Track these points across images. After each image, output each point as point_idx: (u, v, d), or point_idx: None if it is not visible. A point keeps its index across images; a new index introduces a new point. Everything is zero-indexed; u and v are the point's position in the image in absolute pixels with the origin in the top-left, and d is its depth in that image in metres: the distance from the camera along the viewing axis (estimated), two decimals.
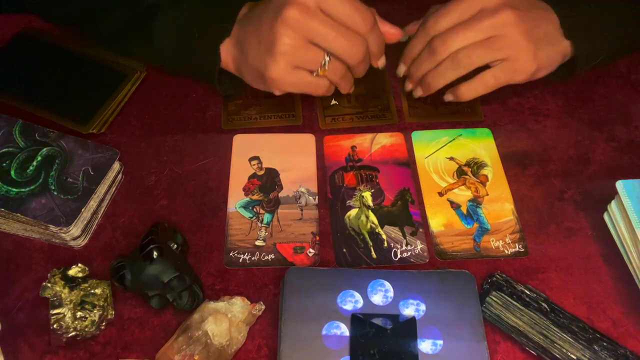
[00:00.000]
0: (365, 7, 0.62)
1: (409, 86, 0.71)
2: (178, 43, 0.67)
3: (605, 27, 0.66)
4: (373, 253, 0.61)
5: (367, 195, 0.65)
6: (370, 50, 0.64)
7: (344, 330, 0.54)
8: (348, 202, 0.65)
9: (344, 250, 0.61)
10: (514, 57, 0.64)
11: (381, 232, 0.63)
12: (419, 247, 0.61)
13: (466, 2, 0.64)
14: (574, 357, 0.52)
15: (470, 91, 0.67)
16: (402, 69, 0.71)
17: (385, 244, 0.62)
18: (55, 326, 0.55)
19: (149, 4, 0.67)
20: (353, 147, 0.69)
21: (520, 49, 0.63)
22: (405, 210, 0.64)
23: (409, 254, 0.61)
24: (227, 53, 0.65)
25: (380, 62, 0.68)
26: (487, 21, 0.63)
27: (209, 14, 0.66)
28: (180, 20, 0.66)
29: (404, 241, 0.62)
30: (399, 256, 0.61)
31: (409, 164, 0.68)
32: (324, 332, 0.53)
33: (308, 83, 0.63)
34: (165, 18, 0.66)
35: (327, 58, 0.61)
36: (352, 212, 0.64)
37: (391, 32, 0.67)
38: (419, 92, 0.70)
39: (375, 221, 0.63)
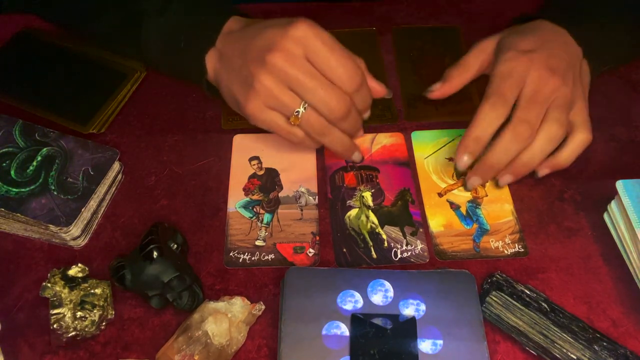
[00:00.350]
0: (354, 62, 0.59)
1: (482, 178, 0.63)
2: (164, 50, 0.66)
3: (612, 42, 0.67)
4: (373, 253, 0.61)
5: (367, 195, 0.65)
6: (355, 107, 0.61)
7: (344, 330, 0.54)
8: (348, 202, 0.65)
9: (344, 250, 0.61)
10: (575, 112, 0.63)
11: (381, 232, 0.63)
12: (419, 247, 0.61)
13: (511, 85, 0.61)
14: (574, 357, 0.52)
15: (570, 156, 0.63)
16: (465, 160, 0.62)
17: (386, 244, 0.62)
18: (55, 326, 0.55)
19: (139, 9, 0.66)
20: None
21: (577, 101, 0.63)
22: (405, 210, 0.64)
23: (409, 254, 0.61)
24: (211, 64, 0.64)
25: (366, 116, 0.65)
26: (544, 92, 0.60)
27: (194, 22, 0.65)
28: (165, 29, 0.65)
29: (404, 241, 0.62)
30: (399, 256, 0.61)
31: (409, 164, 0.68)
32: (324, 332, 0.53)
33: (280, 127, 0.61)
34: (152, 25, 0.65)
35: (302, 108, 0.59)
36: (353, 212, 0.64)
37: (376, 89, 0.64)
38: (507, 179, 0.63)
39: (376, 221, 0.63)
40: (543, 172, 0.63)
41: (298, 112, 0.59)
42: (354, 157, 0.65)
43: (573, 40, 0.65)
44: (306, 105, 0.59)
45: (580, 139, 0.62)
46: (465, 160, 0.61)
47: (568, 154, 0.62)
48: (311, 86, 0.58)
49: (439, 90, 0.70)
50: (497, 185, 0.64)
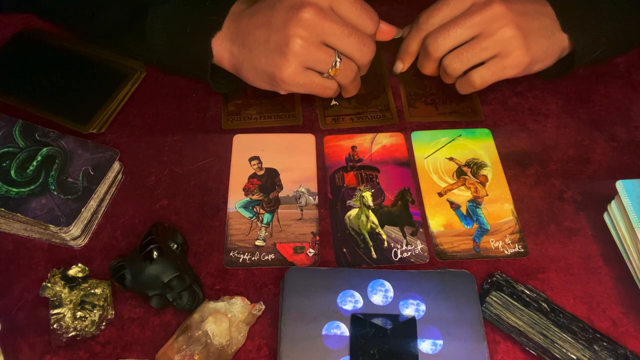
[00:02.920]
0: (370, 7, 0.63)
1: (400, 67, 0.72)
2: (170, 39, 0.66)
3: (603, 19, 0.66)
4: (373, 253, 0.61)
5: (368, 195, 0.65)
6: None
7: (344, 330, 0.54)
8: (348, 202, 0.65)
9: (344, 250, 0.61)
10: (504, 53, 0.64)
11: (381, 232, 0.63)
12: (419, 247, 0.61)
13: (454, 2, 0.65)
14: (574, 357, 0.52)
15: (461, 89, 0.68)
16: (399, 67, 0.73)
17: (386, 244, 0.62)
18: (55, 326, 0.55)
19: (144, 0, 0.66)
20: (353, 147, 0.69)
21: (510, 43, 0.63)
22: (405, 210, 0.64)
23: (409, 254, 0.61)
24: (222, 49, 0.64)
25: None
26: (477, 16, 0.63)
27: (201, 9, 0.65)
28: (172, 16, 0.65)
29: (404, 241, 0.62)
30: (399, 256, 0.61)
31: (409, 164, 0.68)
32: (324, 332, 0.53)
33: (317, 84, 0.63)
34: (157, 14, 0.65)
35: (338, 59, 0.62)
36: (353, 212, 0.64)
37: (385, 30, 0.67)
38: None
39: (376, 221, 0.63)
40: (461, 87, 0.68)
41: (335, 63, 0.62)
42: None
43: (550, 8, 0.66)
44: (340, 56, 0.62)
45: (471, 79, 0.66)
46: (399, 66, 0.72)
47: (460, 86, 0.68)
48: (344, 34, 0.61)
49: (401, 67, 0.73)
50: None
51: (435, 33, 0.65)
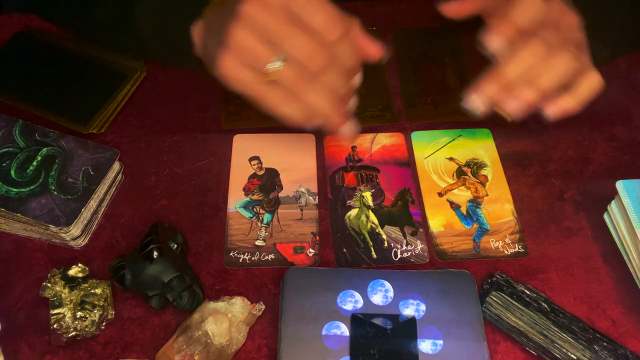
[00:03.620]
0: (336, 10, 0.55)
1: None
2: (157, 28, 0.63)
3: (612, 22, 0.66)
4: (373, 253, 0.61)
5: (368, 196, 0.65)
6: (340, 64, 0.56)
7: (344, 330, 0.54)
8: (348, 202, 0.65)
9: (344, 250, 0.61)
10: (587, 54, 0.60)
11: (381, 232, 0.63)
12: (419, 247, 0.61)
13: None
14: (574, 357, 0.52)
15: (578, 98, 0.60)
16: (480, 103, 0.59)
17: (386, 244, 0.62)
18: (55, 326, 0.55)
19: None
20: (353, 147, 0.69)
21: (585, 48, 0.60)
22: (405, 210, 0.64)
23: (409, 254, 0.61)
24: (198, 37, 0.60)
25: (356, 81, 0.59)
26: (563, 22, 0.59)
27: None
28: (158, 6, 0.63)
29: (404, 241, 0.62)
30: (399, 256, 0.61)
31: (409, 164, 0.68)
32: (324, 332, 0.53)
33: (255, 87, 0.56)
34: (145, 4, 0.63)
35: (280, 59, 0.54)
36: (353, 212, 0.64)
37: (371, 48, 0.59)
38: (513, 104, 0.58)
39: (376, 221, 0.63)
40: (553, 111, 0.59)
41: (274, 63, 0.54)
42: (343, 129, 0.58)
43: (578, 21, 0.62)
44: (283, 57, 0.54)
45: (593, 79, 0.59)
46: (479, 101, 0.58)
47: (580, 93, 0.59)
48: (287, 33, 0.54)
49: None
50: (505, 114, 0.59)
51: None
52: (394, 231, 0.63)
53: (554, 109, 0.59)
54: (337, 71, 0.56)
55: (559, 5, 0.59)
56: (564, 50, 0.57)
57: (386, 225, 0.63)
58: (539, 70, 0.57)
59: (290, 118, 0.56)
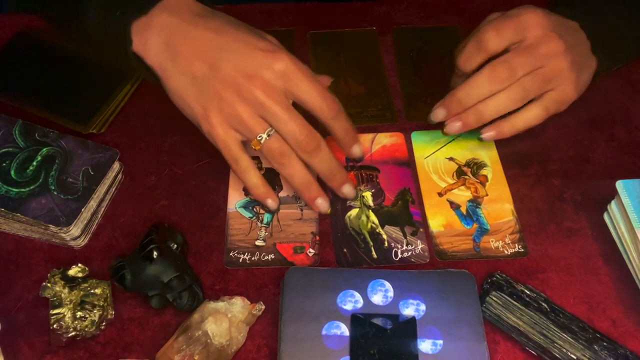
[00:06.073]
0: (332, 95, 0.58)
1: (443, 116, 0.64)
2: (98, 23, 0.61)
3: (624, 38, 0.67)
4: (374, 253, 0.61)
5: (368, 195, 0.65)
6: (337, 138, 0.60)
7: (344, 330, 0.54)
8: (348, 202, 0.65)
9: (345, 250, 0.61)
10: (560, 89, 0.62)
11: (382, 232, 0.63)
12: (419, 247, 0.61)
13: (513, 25, 0.61)
14: (574, 357, 0.52)
15: (513, 127, 0.63)
16: (440, 115, 0.64)
17: (386, 244, 0.62)
18: (55, 326, 0.55)
19: None
20: None
21: (566, 80, 0.62)
22: (405, 210, 0.64)
23: (409, 253, 0.61)
24: (146, 40, 0.58)
25: (355, 152, 0.62)
26: (541, 49, 0.61)
27: None
28: (101, 2, 0.60)
29: (405, 241, 0.62)
30: (399, 256, 0.61)
31: (409, 164, 0.68)
32: (324, 332, 0.53)
33: (232, 150, 0.58)
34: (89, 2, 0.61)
35: (265, 134, 0.57)
36: (353, 212, 0.64)
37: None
38: (456, 127, 0.64)
39: (376, 221, 0.63)
40: (487, 135, 0.64)
41: (261, 137, 0.57)
42: (320, 206, 0.61)
43: (584, 33, 0.64)
44: (272, 131, 0.57)
45: (534, 112, 0.63)
46: (454, 127, 0.64)
47: (511, 124, 0.63)
48: (284, 118, 0.56)
49: (491, 134, 0.66)
50: (443, 132, 0.64)
51: (506, 58, 0.61)
52: (394, 231, 0.63)
53: (490, 133, 0.64)
54: (325, 151, 0.59)
55: (542, 31, 0.61)
56: (517, 85, 0.61)
57: (386, 225, 0.63)
58: (487, 100, 0.62)
59: (254, 188, 0.60)
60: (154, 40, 0.58)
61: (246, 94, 0.56)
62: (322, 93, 0.57)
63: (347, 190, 0.62)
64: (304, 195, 0.61)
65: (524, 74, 0.61)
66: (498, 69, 0.61)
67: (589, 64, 0.65)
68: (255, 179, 0.60)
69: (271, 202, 0.61)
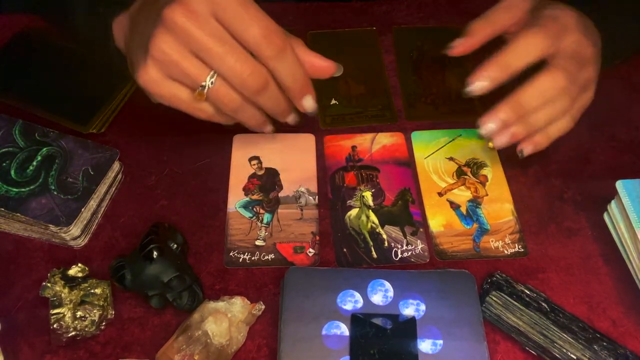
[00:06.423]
0: (273, 22, 0.50)
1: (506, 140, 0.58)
2: (86, 20, 0.61)
3: (627, 31, 0.67)
4: (374, 253, 0.61)
5: (368, 195, 0.65)
6: (282, 84, 0.53)
7: (344, 330, 0.54)
8: (348, 202, 0.65)
9: (345, 250, 0.61)
10: (585, 96, 0.61)
11: (382, 232, 0.63)
12: (419, 247, 0.61)
13: (556, 28, 0.58)
14: (574, 357, 0.52)
15: (549, 138, 0.60)
16: (482, 85, 0.57)
17: (386, 244, 0.62)
18: (55, 326, 0.55)
19: None
20: (353, 147, 0.69)
21: (590, 88, 0.61)
22: (405, 210, 0.64)
23: (409, 253, 0.61)
24: (120, 30, 0.56)
25: (307, 105, 0.55)
26: (582, 55, 0.58)
27: None
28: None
29: (405, 241, 0.62)
30: (399, 256, 0.61)
31: (409, 164, 0.68)
32: (324, 332, 0.53)
33: (184, 103, 0.53)
34: None
35: (209, 80, 0.50)
36: (353, 212, 0.64)
37: (321, 65, 0.54)
38: (530, 148, 0.59)
39: (376, 221, 0.63)
40: (526, 149, 0.60)
41: (204, 85, 0.50)
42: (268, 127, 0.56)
43: (594, 26, 0.63)
44: (215, 76, 0.50)
45: (562, 123, 0.60)
46: (482, 85, 0.54)
47: (551, 134, 0.60)
48: (219, 51, 0.49)
49: (462, 45, 0.62)
50: (489, 145, 0.59)
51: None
52: (394, 231, 0.63)
53: (528, 148, 0.60)
54: (273, 90, 0.53)
55: (578, 36, 0.58)
56: (565, 94, 0.57)
57: (386, 225, 0.63)
58: (539, 110, 0.57)
59: (224, 125, 0.55)
60: (125, 30, 0.57)
61: (171, 27, 0.48)
62: (259, 20, 0.49)
63: (308, 103, 0.55)
64: (261, 129, 0.57)
65: (578, 79, 0.58)
66: (558, 74, 0.56)
67: (597, 60, 0.63)
68: (246, 117, 0.55)
69: (269, 128, 0.57)
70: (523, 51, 0.55)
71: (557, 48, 0.57)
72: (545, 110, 0.57)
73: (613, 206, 0.61)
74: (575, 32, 0.58)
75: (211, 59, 0.49)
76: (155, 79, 0.51)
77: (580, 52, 0.58)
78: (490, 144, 0.59)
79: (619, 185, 0.59)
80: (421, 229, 0.63)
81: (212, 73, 0.50)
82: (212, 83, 0.50)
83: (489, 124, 0.57)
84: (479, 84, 0.55)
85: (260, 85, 0.51)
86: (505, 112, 0.56)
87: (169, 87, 0.52)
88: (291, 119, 0.58)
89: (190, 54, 0.50)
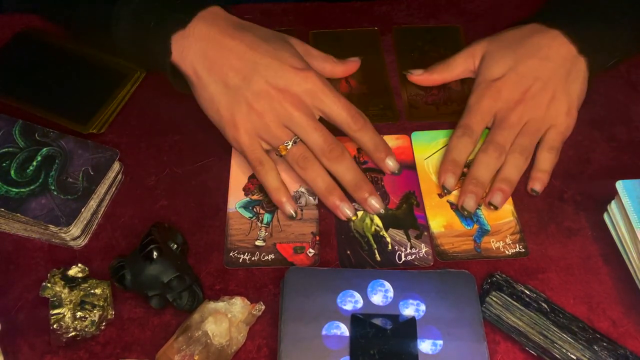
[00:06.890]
0: (356, 108, 0.62)
1: (473, 198, 0.63)
2: (133, 33, 0.64)
3: (617, 33, 0.67)
4: (377, 256, 0.61)
5: None
6: (366, 150, 0.63)
7: (344, 330, 0.54)
8: (353, 204, 0.64)
9: (348, 252, 0.61)
10: (556, 122, 0.66)
11: (386, 235, 0.63)
12: (423, 251, 0.61)
13: (487, 107, 0.66)
14: (574, 357, 0.52)
15: (546, 173, 0.65)
16: (451, 181, 0.64)
17: (390, 247, 0.62)
18: (55, 326, 0.55)
19: None
20: (359, 150, 0.68)
21: (555, 111, 0.66)
22: (410, 213, 0.64)
23: (413, 257, 0.61)
24: (184, 53, 0.62)
25: (390, 164, 0.63)
26: (518, 111, 0.65)
27: (169, 5, 0.63)
28: (138, 9, 0.63)
29: (409, 244, 0.62)
30: (403, 259, 0.61)
31: (414, 167, 0.68)
32: (324, 332, 0.53)
33: (256, 157, 0.62)
34: (124, 7, 0.63)
35: (291, 142, 0.61)
36: (357, 215, 0.64)
37: (354, 66, 0.73)
38: (498, 197, 0.63)
39: (380, 224, 0.63)
40: (538, 189, 0.64)
41: (288, 143, 0.61)
42: (343, 212, 0.62)
43: (566, 40, 0.66)
44: (297, 139, 0.61)
45: (544, 156, 0.65)
46: (450, 180, 0.64)
47: (543, 170, 0.65)
48: (309, 128, 0.60)
49: (418, 77, 0.73)
50: (493, 207, 0.63)
51: (501, 131, 0.65)
52: (399, 234, 0.63)
53: (537, 188, 0.64)
54: (347, 159, 0.62)
55: (513, 93, 0.66)
56: (513, 150, 0.64)
57: (390, 228, 0.63)
58: (501, 168, 0.64)
59: (274, 191, 0.62)
60: (192, 50, 0.62)
61: (277, 106, 0.60)
62: (346, 107, 0.61)
63: (373, 203, 0.62)
64: (327, 201, 0.62)
65: (513, 139, 0.64)
66: (489, 148, 0.64)
67: (576, 71, 0.66)
68: (276, 182, 0.62)
69: (289, 208, 0.62)
70: (458, 151, 0.65)
71: (500, 108, 0.66)
72: (504, 170, 0.64)
73: (613, 206, 0.61)
74: (502, 101, 0.66)
75: (301, 131, 0.61)
76: (249, 137, 0.62)
77: (509, 117, 0.65)
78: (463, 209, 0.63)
79: (619, 185, 0.59)
80: (425, 233, 0.63)
81: (296, 137, 0.61)
82: (294, 143, 0.61)
83: (466, 201, 0.63)
84: (449, 180, 0.64)
85: (339, 152, 0.61)
86: (472, 188, 0.63)
87: (254, 140, 0.62)
88: (372, 201, 0.63)
89: (282, 125, 0.61)
